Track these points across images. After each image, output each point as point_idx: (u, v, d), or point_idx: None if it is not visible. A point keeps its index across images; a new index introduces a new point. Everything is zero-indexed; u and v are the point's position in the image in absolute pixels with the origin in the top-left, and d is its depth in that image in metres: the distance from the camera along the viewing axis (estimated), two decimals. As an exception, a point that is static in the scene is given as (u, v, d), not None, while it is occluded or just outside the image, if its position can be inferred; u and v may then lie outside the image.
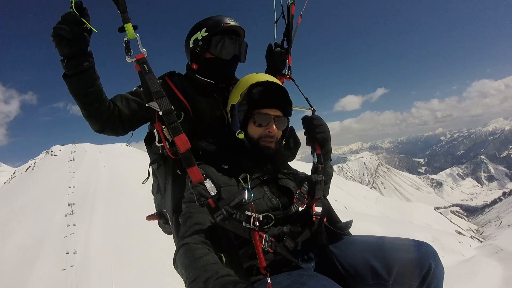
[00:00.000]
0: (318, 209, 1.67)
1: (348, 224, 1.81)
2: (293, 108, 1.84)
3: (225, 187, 1.60)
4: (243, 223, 1.45)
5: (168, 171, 1.94)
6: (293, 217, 1.66)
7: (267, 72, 2.36)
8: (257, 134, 1.73)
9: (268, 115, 1.72)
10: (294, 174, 1.92)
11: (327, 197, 1.90)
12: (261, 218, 1.49)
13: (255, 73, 1.89)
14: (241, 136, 1.74)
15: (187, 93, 2.00)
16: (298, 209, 1.72)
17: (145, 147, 2.12)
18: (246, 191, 1.52)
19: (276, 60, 2.30)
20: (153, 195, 2.31)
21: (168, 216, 1.99)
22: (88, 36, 1.57)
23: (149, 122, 2.06)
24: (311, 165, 1.94)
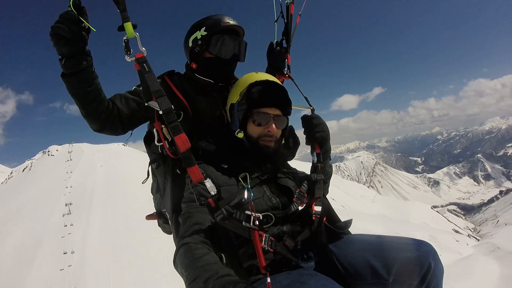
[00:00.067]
0: (317, 208, 1.67)
1: (348, 223, 1.81)
2: (292, 107, 1.84)
3: (225, 186, 1.60)
4: (243, 223, 1.45)
5: (168, 171, 1.94)
6: (293, 217, 1.66)
7: (268, 70, 2.36)
8: (256, 133, 1.73)
9: (267, 114, 1.72)
10: (294, 173, 1.92)
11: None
12: (261, 218, 1.49)
13: (254, 72, 1.89)
14: (240, 135, 1.74)
15: (187, 92, 2.00)
16: (298, 209, 1.72)
17: (142, 146, 2.12)
18: (246, 191, 1.52)
19: (277, 59, 2.30)
20: (153, 194, 2.31)
21: (168, 216, 1.99)
22: (86, 35, 1.56)
23: (148, 122, 2.06)
24: (308, 164, 1.94)
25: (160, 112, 1.48)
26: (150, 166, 2.13)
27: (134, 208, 37.08)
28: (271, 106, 1.73)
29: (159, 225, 2.30)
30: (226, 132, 1.85)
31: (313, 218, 1.65)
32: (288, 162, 2.05)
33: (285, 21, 2.29)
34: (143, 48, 1.51)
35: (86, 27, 1.53)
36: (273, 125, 1.72)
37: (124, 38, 1.49)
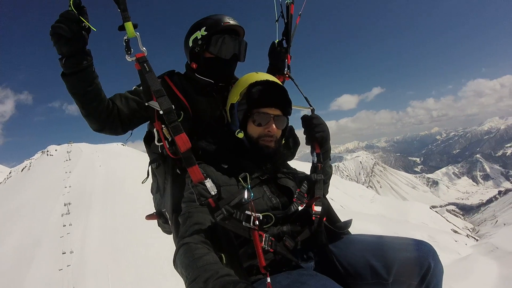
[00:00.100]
0: (317, 209, 1.67)
1: (348, 223, 1.81)
2: (292, 107, 1.84)
3: (225, 186, 1.60)
4: (243, 223, 1.45)
5: (168, 171, 1.94)
6: (293, 217, 1.66)
7: (269, 70, 2.37)
8: (256, 134, 1.73)
9: (267, 114, 1.72)
10: (294, 173, 1.92)
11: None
12: (261, 218, 1.49)
13: (254, 72, 1.89)
14: (240, 135, 1.74)
15: (187, 92, 2.00)
16: (298, 209, 1.72)
17: (141, 146, 2.12)
18: (246, 191, 1.52)
19: (278, 59, 2.31)
20: (153, 194, 2.31)
21: (168, 216, 1.98)
22: (86, 35, 1.56)
23: (148, 122, 2.06)
24: (307, 164, 1.94)
25: (161, 112, 1.48)
26: (150, 166, 2.13)
27: (133, 208, 37.06)
28: (271, 106, 1.73)
29: (159, 225, 2.30)
30: (226, 132, 1.85)
31: (313, 218, 1.65)
32: (288, 162, 2.05)
33: (285, 21, 2.30)
34: (144, 48, 1.51)
35: (87, 26, 1.53)
36: (273, 125, 1.72)
37: (125, 37, 1.49)
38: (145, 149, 2.18)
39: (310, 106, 2.07)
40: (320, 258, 1.62)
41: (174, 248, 1.43)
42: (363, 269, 1.52)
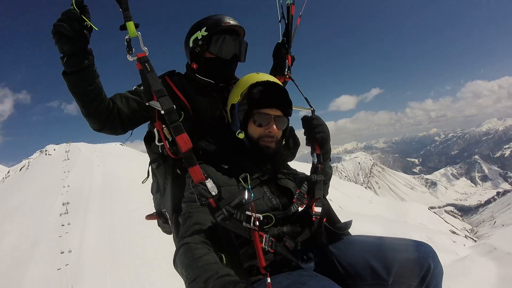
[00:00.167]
0: (317, 209, 1.67)
1: (348, 224, 1.82)
2: (293, 108, 1.85)
3: (225, 187, 1.60)
4: (244, 223, 1.44)
5: (168, 171, 1.94)
6: (293, 217, 1.67)
7: (272, 70, 2.38)
8: (257, 134, 1.73)
9: (268, 115, 1.72)
10: (294, 174, 1.93)
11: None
12: (261, 218, 1.49)
13: (255, 73, 1.89)
14: (241, 136, 1.74)
15: (187, 92, 2.00)
16: (298, 209, 1.73)
17: (140, 146, 2.12)
18: (246, 191, 1.52)
19: (282, 59, 2.31)
20: (153, 194, 2.30)
21: (168, 216, 1.98)
22: (88, 34, 1.55)
23: (148, 122, 2.05)
24: (307, 165, 1.94)
25: (162, 112, 1.48)
26: (150, 166, 2.13)
27: (132, 208, 37.03)
28: (272, 106, 1.73)
29: (159, 225, 2.29)
30: (226, 132, 1.85)
31: (313, 219, 1.65)
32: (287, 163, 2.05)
33: (286, 22, 2.30)
34: (145, 48, 1.51)
35: (88, 25, 1.53)
36: (274, 126, 1.72)
37: (126, 37, 1.49)
38: (144, 149, 2.18)
39: (311, 107, 2.07)
40: (320, 258, 1.63)
41: (173, 247, 1.43)
42: (363, 270, 1.53)
